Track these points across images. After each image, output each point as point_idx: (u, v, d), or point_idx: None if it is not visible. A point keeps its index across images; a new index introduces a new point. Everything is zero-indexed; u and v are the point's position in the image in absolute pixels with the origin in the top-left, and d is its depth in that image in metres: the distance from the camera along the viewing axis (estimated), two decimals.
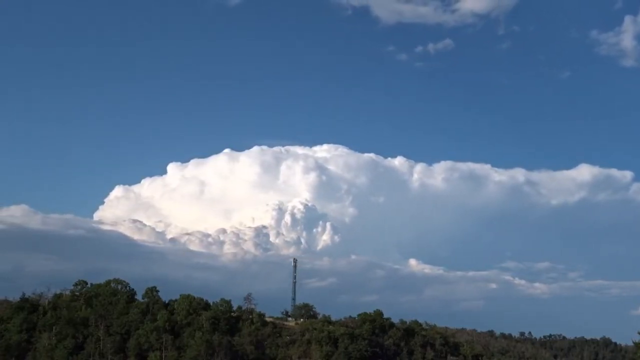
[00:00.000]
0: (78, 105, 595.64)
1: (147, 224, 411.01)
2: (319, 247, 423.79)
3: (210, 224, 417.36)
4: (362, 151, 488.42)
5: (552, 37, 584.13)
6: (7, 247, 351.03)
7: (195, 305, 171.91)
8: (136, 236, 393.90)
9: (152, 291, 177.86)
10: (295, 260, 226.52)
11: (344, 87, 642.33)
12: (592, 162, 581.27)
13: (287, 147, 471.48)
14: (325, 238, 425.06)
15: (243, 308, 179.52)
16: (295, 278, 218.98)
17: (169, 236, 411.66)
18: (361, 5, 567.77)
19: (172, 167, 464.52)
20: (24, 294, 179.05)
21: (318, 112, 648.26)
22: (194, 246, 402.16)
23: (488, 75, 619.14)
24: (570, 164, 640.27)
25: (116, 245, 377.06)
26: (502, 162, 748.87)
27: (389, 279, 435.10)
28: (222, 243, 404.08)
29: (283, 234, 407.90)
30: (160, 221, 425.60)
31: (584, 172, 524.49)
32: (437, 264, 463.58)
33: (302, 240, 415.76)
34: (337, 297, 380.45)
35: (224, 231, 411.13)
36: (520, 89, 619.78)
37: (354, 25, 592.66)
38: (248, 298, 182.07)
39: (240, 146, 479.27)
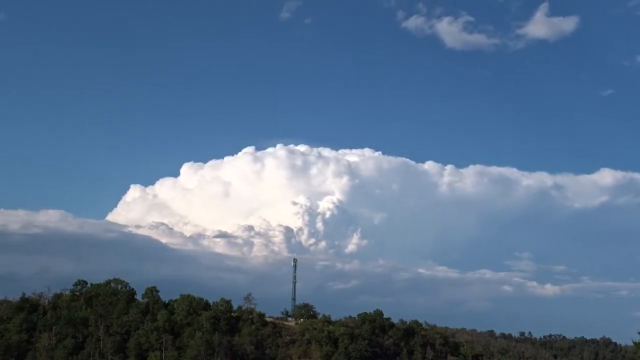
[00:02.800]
0: (91, 107, 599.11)
1: (173, 226, 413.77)
2: (348, 250, 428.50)
3: (236, 225, 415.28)
4: (393, 155, 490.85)
5: (600, 61, 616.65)
6: (36, 250, 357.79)
7: (195, 305, 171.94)
8: (164, 239, 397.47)
9: (152, 291, 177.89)
10: (295, 260, 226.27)
11: (375, 91, 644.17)
12: (614, 166, 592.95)
13: (309, 148, 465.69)
14: (354, 241, 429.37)
15: (243, 308, 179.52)
16: (295, 278, 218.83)
17: (195, 238, 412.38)
18: (427, 35, 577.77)
19: (191, 168, 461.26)
20: (24, 294, 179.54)
21: (346, 114, 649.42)
22: (222, 248, 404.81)
23: (527, 89, 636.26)
24: (591, 168, 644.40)
25: (142, 247, 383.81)
26: (526, 165, 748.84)
27: (410, 281, 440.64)
28: (251, 245, 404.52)
29: (313, 237, 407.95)
30: (186, 223, 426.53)
31: (606, 176, 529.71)
32: (458, 267, 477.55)
33: (332, 243, 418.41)
34: (355, 298, 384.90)
35: (252, 233, 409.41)
36: (553, 99, 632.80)
37: (420, 49, 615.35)
38: (248, 298, 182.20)
39: (259, 147, 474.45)
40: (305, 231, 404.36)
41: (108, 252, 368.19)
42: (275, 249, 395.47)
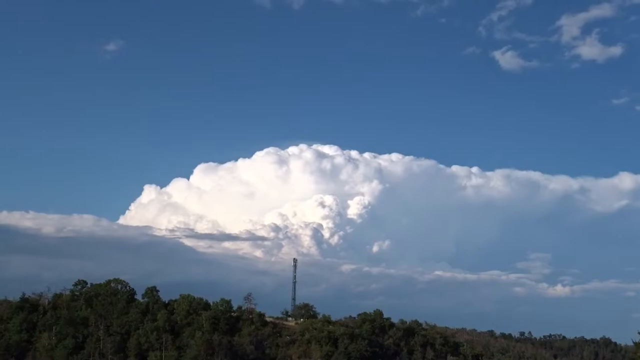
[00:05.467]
0: (104, 109, 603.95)
1: (198, 228, 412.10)
2: (375, 253, 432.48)
3: (263, 227, 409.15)
4: (421, 157, 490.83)
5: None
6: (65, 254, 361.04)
7: (195, 305, 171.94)
8: (189, 242, 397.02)
9: (152, 291, 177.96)
10: (295, 261, 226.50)
11: (402, 94, 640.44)
12: (633, 170, 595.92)
13: (338, 149, 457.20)
14: (381, 245, 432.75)
15: (243, 308, 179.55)
16: (295, 278, 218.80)
17: (223, 240, 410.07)
18: (485, 60, 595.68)
19: (211, 169, 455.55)
20: (24, 294, 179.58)
21: (374, 117, 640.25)
22: (249, 250, 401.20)
23: (561, 101, 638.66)
24: (611, 172, 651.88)
25: (170, 250, 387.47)
26: (547, 168, 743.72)
27: (427, 283, 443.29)
28: (279, 247, 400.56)
29: (342, 239, 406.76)
30: (210, 225, 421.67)
31: (626, 180, 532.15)
32: (474, 269, 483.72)
33: (359, 247, 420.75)
34: (372, 300, 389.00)
35: (278, 234, 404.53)
36: (583, 109, 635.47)
37: (476, 68, 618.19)
38: (248, 298, 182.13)
39: (281, 146, 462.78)
40: (333, 233, 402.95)
41: (134, 254, 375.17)
42: (304, 251, 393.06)
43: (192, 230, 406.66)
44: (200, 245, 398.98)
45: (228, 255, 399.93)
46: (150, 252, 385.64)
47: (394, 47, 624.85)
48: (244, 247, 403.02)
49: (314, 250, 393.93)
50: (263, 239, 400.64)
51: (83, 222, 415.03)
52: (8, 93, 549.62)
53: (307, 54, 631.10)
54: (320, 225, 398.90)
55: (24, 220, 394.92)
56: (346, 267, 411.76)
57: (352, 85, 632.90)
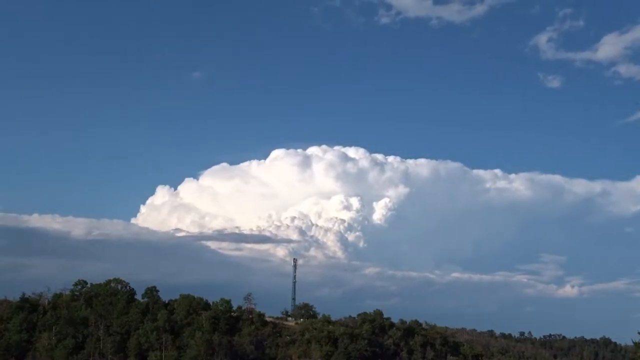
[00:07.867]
0: (115, 110, 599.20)
1: (217, 230, 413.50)
2: (397, 256, 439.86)
3: (287, 229, 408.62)
4: (446, 160, 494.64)
5: None
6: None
7: (195, 305, 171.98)
8: (212, 244, 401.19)
9: (152, 291, 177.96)
10: (295, 260, 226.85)
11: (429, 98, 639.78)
12: None
13: (364, 152, 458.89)
14: (403, 247, 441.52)
15: (243, 308, 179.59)
16: (295, 278, 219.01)
17: (246, 241, 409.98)
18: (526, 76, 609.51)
19: (225, 169, 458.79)
20: (24, 294, 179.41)
21: (404, 119, 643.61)
22: (273, 253, 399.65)
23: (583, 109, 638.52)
24: (628, 176, 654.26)
25: (190, 251, 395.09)
26: (565, 172, 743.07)
27: (445, 285, 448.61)
28: (307, 249, 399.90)
29: (363, 242, 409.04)
30: (233, 227, 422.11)
31: None
32: (487, 271, 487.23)
33: (382, 250, 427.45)
34: (383, 301, 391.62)
35: (302, 237, 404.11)
36: (601, 117, 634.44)
37: (513, 80, 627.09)
38: (248, 298, 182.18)
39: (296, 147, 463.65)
40: (359, 237, 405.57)
41: (155, 256, 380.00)
42: (330, 253, 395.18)
43: (220, 231, 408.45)
44: (225, 247, 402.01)
45: (254, 258, 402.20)
46: (173, 253, 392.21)
47: (426, 49, 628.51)
48: (269, 249, 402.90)
49: (339, 253, 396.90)
50: (289, 241, 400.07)
51: (113, 226, 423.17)
52: (18, 93, 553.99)
53: (329, 56, 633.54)
54: (346, 228, 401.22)
55: (54, 223, 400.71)
56: (370, 270, 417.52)
57: (380, 88, 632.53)
